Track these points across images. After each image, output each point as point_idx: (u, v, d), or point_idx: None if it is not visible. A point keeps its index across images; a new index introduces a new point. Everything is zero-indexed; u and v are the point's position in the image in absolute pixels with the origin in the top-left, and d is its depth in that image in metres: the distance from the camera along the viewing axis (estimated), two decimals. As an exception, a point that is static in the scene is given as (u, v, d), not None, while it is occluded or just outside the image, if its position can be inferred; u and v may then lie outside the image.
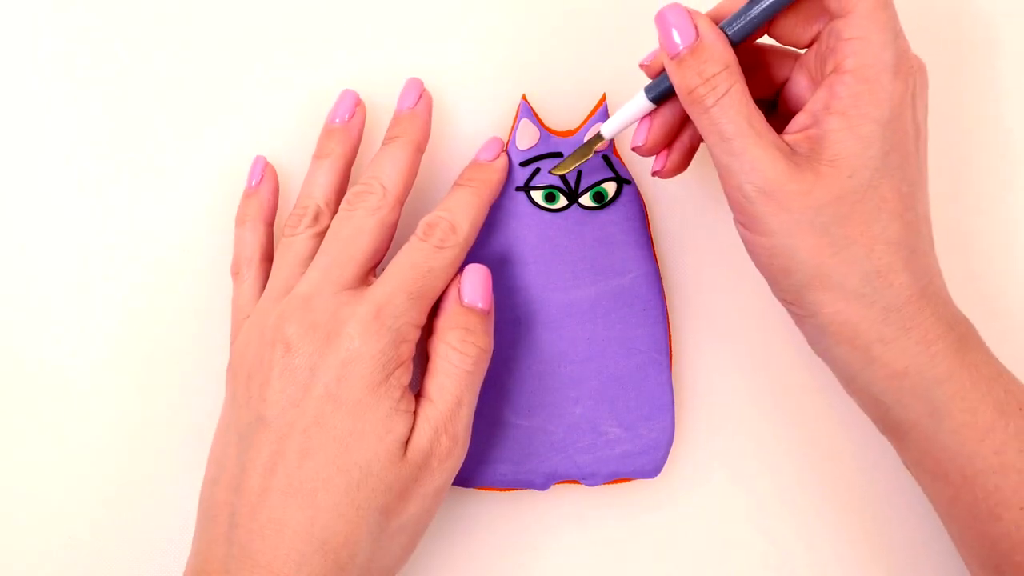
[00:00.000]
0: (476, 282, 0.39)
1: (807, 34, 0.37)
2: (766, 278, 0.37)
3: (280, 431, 0.35)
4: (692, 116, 0.35)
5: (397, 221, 0.39)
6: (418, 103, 0.41)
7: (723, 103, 0.34)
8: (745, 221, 0.36)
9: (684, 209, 0.44)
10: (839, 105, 0.34)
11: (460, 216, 0.39)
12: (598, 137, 0.40)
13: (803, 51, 0.38)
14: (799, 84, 0.38)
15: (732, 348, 0.44)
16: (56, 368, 0.43)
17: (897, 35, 0.34)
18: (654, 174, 0.40)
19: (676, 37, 0.35)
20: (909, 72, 0.34)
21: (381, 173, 0.39)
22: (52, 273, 0.43)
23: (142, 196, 0.44)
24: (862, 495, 0.44)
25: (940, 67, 0.43)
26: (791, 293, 0.36)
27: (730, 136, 0.34)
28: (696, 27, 0.35)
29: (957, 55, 0.46)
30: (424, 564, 0.43)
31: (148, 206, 0.44)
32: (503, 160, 0.41)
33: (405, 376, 0.36)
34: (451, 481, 0.38)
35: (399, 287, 0.36)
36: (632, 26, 0.44)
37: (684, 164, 0.40)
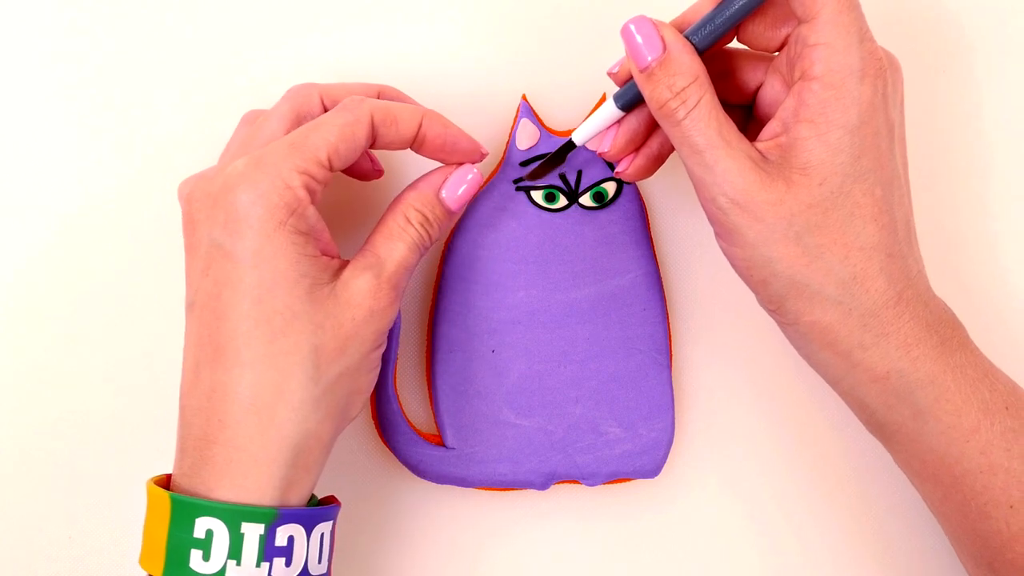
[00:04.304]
0: (460, 184, 0.38)
1: (776, 38, 0.37)
2: (749, 288, 0.37)
3: (199, 304, 0.35)
4: (664, 128, 0.36)
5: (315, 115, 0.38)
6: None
7: (694, 115, 0.34)
8: (722, 233, 0.36)
9: (684, 209, 0.44)
10: (807, 113, 0.34)
11: (380, 102, 0.37)
12: (570, 144, 0.40)
13: (775, 55, 0.38)
14: (773, 89, 0.38)
15: (732, 348, 0.44)
16: (57, 368, 0.43)
17: (863, 38, 0.34)
18: (616, 174, 0.40)
19: (644, 50, 0.35)
20: (878, 74, 0.34)
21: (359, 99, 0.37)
22: (53, 273, 0.43)
23: (136, 188, 0.44)
24: (860, 494, 0.44)
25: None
26: (773, 302, 0.36)
27: (701, 148, 0.34)
28: (663, 39, 0.34)
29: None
30: (424, 564, 0.43)
31: (149, 204, 0.44)
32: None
33: (303, 222, 0.35)
34: (384, 333, 0.37)
35: (282, 139, 0.35)
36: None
37: (650, 170, 0.40)
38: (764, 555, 0.44)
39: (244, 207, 0.34)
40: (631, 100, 0.37)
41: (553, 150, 0.42)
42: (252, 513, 0.33)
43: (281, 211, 0.34)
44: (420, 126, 0.37)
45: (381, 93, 0.40)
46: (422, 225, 0.37)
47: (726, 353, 0.44)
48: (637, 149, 0.39)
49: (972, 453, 0.36)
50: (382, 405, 0.42)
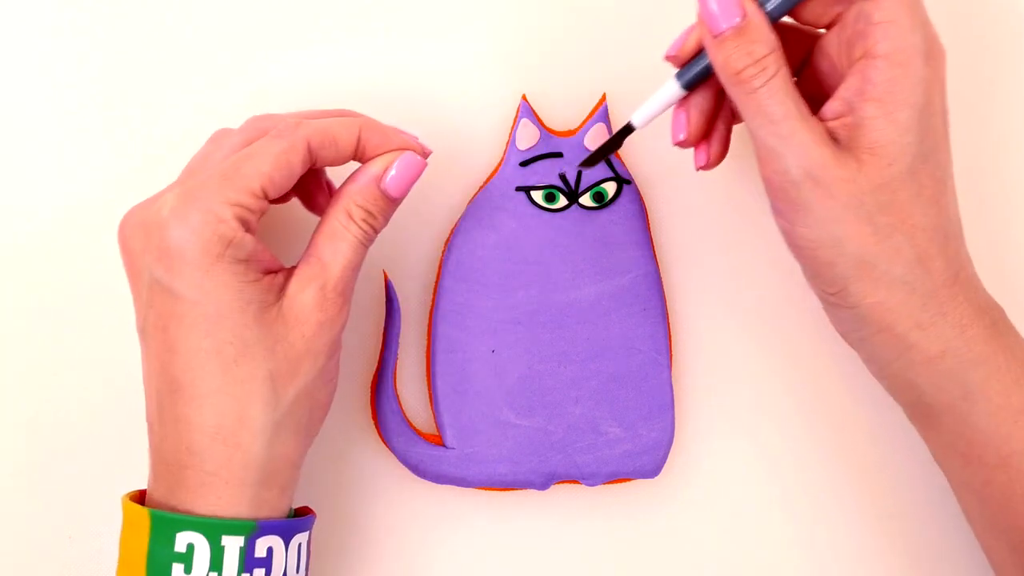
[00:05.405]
0: (404, 174, 0.37)
1: (828, 15, 0.36)
2: (807, 271, 0.37)
3: (149, 334, 0.35)
4: (733, 97, 0.35)
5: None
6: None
7: (772, 85, 0.34)
8: (787, 211, 0.35)
9: (684, 209, 0.44)
10: (874, 91, 0.34)
11: (316, 124, 0.36)
12: (628, 127, 0.38)
13: (821, 31, 0.37)
14: (820, 67, 0.38)
15: (732, 348, 0.44)
16: (57, 367, 0.43)
17: (925, 19, 0.34)
18: (699, 168, 0.39)
19: (720, 17, 0.34)
20: (939, 55, 0.34)
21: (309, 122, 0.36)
22: (52, 273, 0.43)
23: (136, 188, 0.44)
24: (860, 494, 0.44)
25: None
26: (835, 285, 0.36)
27: (778, 118, 0.34)
28: (742, 7, 0.34)
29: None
30: (424, 564, 0.43)
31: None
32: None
33: (240, 251, 0.34)
34: (338, 341, 0.37)
35: (211, 169, 0.35)
36: (633, 26, 0.44)
37: (724, 152, 0.39)
38: (765, 555, 0.44)
39: (177, 244, 0.33)
40: (695, 78, 0.36)
41: (552, 150, 0.42)
42: (231, 526, 0.34)
43: (216, 245, 0.34)
44: (359, 139, 0.37)
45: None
46: (365, 220, 0.37)
47: (726, 353, 0.44)
48: (707, 134, 0.39)
49: (1020, 434, 0.36)
50: (382, 405, 0.42)
